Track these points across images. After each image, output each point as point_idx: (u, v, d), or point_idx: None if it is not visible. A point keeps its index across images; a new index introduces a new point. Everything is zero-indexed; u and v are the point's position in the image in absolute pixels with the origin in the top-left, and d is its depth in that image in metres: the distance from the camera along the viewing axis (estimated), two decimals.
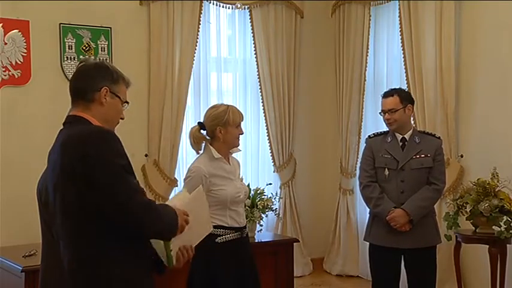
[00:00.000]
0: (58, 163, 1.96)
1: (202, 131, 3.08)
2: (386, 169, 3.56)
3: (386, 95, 3.62)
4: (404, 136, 3.58)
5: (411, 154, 3.53)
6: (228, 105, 3.13)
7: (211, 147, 3.06)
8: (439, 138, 3.69)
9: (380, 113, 3.65)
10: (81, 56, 4.83)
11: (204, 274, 2.97)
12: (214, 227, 2.93)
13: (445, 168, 3.71)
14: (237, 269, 3.01)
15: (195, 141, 3.08)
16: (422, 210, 3.51)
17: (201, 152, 3.11)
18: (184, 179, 3.10)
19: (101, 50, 4.92)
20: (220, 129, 3.04)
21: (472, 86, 4.85)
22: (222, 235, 2.99)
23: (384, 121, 3.62)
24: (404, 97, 3.60)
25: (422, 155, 3.53)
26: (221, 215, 3.00)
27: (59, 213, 1.95)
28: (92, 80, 2.06)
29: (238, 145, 3.16)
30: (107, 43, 4.94)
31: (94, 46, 4.88)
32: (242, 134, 3.11)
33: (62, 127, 2.10)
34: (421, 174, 3.53)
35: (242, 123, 3.12)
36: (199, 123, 3.10)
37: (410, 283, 3.60)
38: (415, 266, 3.55)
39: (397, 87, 3.93)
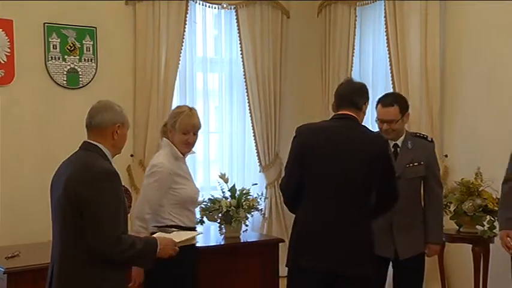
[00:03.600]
0: (361, 153, 2.82)
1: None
2: None
3: (386, 104, 3.36)
4: (397, 142, 3.42)
5: (404, 163, 3.36)
6: (186, 111, 3.09)
7: (172, 145, 3.06)
8: (431, 141, 3.53)
9: (376, 120, 3.43)
10: (65, 56, 4.81)
11: (161, 271, 2.95)
12: (172, 226, 3.01)
13: (440, 172, 3.60)
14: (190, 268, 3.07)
15: (160, 133, 3.18)
16: (442, 226, 3.57)
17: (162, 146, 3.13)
18: (149, 174, 3.03)
19: (86, 50, 4.90)
20: (170, 130, 3.07)
21: (456, 86, 4.88)
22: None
23: (380, 129, 3.40)
24: (403, 106, 3.38)
25: (416, 163, 3.38)
26: (179, 214, 3.02)
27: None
28: (363, 97, 2.97)
29: (186, 151, 3.13)
30: (92, 43, 4.91)
31: (79, 46, 4.85)
32: (189, 141, 3.07)
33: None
34: (416, 183, 3.43)
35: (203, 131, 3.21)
36: None
37: None
38: (401, 274, 3.47)
39: (393, 92, 3.81)
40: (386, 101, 3.38)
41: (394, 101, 3.38)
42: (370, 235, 2.89)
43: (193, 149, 3.22)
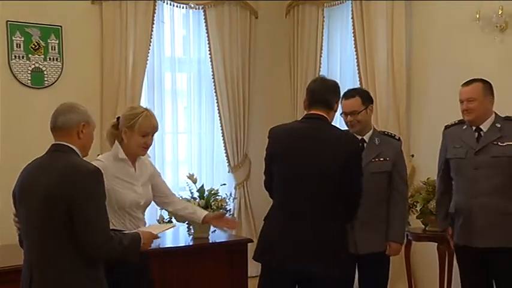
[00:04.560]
0: (335, 154, 2.84)
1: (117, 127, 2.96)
2: None
3: (348, 96, 3.41)
4: (364, 137, 3.43)
5: (370, 157, 3.36)
6: (144, 111, 2.95)
7: (119, 147, 2.93)
8: (398, 140, 3.54)
9: (341, 114, 3.46)
10: (30, 55, 4.72)
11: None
12: (115, 231, 2.84)
13: (406, 171, 3.58)
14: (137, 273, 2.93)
15: (107, 135, 2.99)
16: (405, 226, 3.56)
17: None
18: None
19: (51, 49, 4.82)
20: (125, 131, 2.90)
21: (422, 86, 4.95)
22: None
23: (346, 123, 3.46)
24: (365, 97, 3.42)
25: (381, 159, 3.39)
26: (121, 218, 2.90)
27: None
28: (336, 96, 3.01)
29: (142, 154, 3.01)
30: (57, 42, 4.84)
31: (44, 45, 4.78)
32: (148, 144, 2.95)
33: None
34: (380, 179, 3.39)
35: (158, 134, 3.05)
36: (117, 118, 2.99)
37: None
38: (365, 272, 3.45)
39: (356, 87, 3.89)
40: (348, 93, 3.45)
41: (355, 92, 3.46)
42: (342, 236, 2.91)
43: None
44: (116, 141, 2.97)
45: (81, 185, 2.29)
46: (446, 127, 3.62)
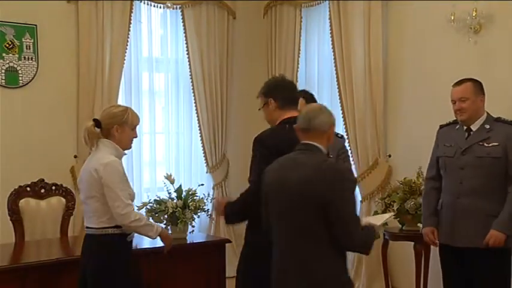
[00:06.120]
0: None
1: (96, 128, 2.99)
2: None
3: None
4: None
5: None
6: (128, 107, 3.11)
7: (116, 145, 2.99)
8: (341, 137, 3.73)
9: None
10: (3, 54, 4.65)
11: (122, 270, 2.97)
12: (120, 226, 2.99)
13: (350, 165, 3.70)
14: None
15: (90, 137, 2.98)
16: None
17: (94, 149, 3.00)
18: (110, 172, 2.90)
19: (26, 48, 4.76)
20: (117, 128, 2.98)
21: (399, 85, 4.98)
22: (129, 234, 3.05)
23: None
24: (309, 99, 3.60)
25: None
26: None
27: None
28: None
29: (131, 148, 3.13)
30: (32, 41, 4.78)
31: (18, 44, 4.72)
32: (136, 137, 3.10)
33: None
34: None
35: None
36: (94, 119, 3.02)
37: None
38: None
39: (304, 89, 3.95)
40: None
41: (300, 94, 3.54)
42: None
43: None
44: (110, 141, 2.99)
45: (336, 183, 2.34)
46: (441, 126, 3.60)
